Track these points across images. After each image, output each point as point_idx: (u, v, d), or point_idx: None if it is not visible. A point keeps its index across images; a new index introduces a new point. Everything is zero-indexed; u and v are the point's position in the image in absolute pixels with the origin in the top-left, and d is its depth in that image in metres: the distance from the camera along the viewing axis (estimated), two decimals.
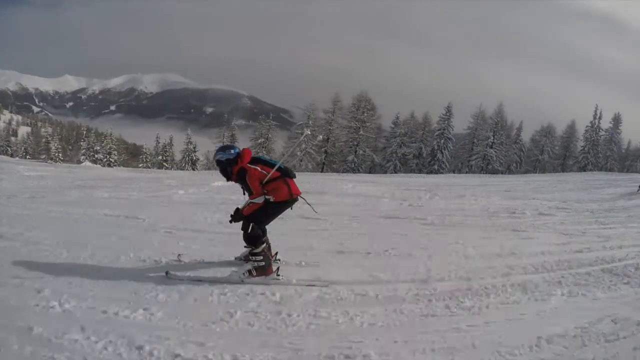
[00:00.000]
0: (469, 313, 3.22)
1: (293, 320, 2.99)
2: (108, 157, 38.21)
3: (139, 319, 2.95)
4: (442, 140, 36.80)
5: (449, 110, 36.83)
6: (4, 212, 6.92)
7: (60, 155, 39.96)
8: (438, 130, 37.26)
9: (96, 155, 40.81)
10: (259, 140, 37.44)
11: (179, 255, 4.27)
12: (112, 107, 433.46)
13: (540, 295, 3.62)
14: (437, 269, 4.20)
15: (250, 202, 3.66)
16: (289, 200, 3.74)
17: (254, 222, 3.65)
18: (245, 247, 3.86)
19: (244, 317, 3.01)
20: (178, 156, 42.62)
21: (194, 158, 40.87)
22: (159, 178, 16.46)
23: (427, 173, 33.07)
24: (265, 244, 3.77)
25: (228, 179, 3.82)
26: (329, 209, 7.46)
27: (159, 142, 44.01)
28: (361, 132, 33.98)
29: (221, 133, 40.98)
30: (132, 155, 54.60)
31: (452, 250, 5.06)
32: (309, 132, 35.05)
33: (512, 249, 5.09)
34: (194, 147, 41.15)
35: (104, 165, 36.82)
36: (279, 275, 3.66)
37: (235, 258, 4.23)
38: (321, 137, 33.69)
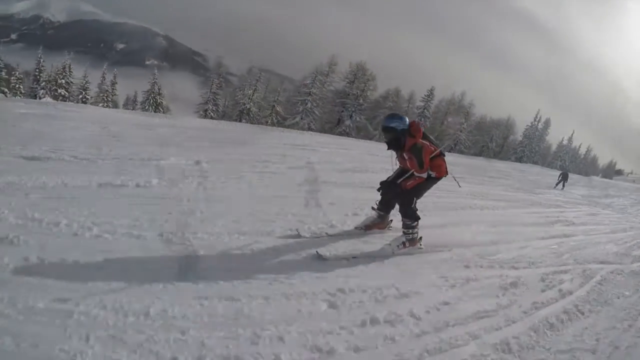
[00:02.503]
0: None
1: None
2: (84, 93, 34.54)
3: None
4: (422, 119, 40.76)
5: (431, 92, 40.82)
6: None
7: (22, 88, 33.65)
8: (419, 109, 41.14)
9: (59, 90, 36.49)
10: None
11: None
12: (14, 36, 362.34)
13: None
14: None
15: (417, 176, 3.70)
16: (444, 176, 3.88)
17: (415, 196, 3.76)
18: (402, 221, 3.82)
19: None
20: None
21: (158, 101, 36.93)
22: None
23: None
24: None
25: (391, 148, 3.82)
26: None
27: (104, 79, 38.24)
28: (361, 100, 35.96)
29: (210, 81, 38.13)
30: None
31: None
32: None
33: None
34: (159, 90, 37.14)
35: (78, 102, 33.37)
36: (421, 245, 3.82)
37: (355, 227, 4.18)
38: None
